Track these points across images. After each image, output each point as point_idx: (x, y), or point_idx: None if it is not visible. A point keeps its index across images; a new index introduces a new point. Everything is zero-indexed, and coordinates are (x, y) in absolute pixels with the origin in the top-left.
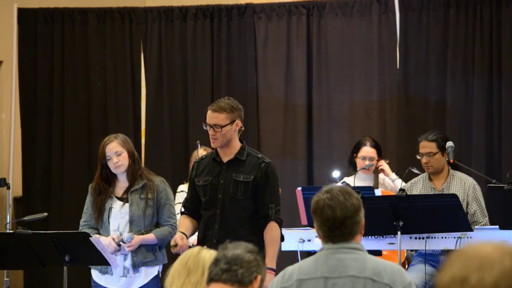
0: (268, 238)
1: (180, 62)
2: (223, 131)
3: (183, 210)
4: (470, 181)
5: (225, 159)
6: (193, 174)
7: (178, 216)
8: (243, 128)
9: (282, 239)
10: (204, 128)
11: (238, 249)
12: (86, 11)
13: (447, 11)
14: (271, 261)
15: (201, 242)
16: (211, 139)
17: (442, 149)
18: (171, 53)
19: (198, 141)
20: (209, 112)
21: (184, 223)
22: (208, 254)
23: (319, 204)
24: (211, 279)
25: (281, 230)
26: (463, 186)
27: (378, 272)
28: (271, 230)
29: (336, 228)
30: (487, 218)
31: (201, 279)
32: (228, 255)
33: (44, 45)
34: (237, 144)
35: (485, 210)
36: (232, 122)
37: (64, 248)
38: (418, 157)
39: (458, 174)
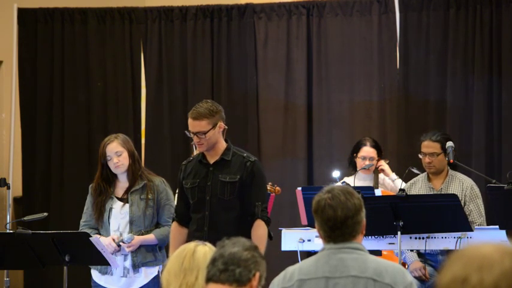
0: (254, 236)
1: (180, 62)
2: (207, 137)
3: (174, 216)
4: (468, 182)
5: (211, 161)
6: (181, 177)
7: None
8: (226, 127)
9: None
10: (188, 135)
11: (236, 247)
12: (86, 11)
13: (447, 11)
14: None
15: None
16: (197, 145)
17: (445, 150)
18: (171, 53)
19: (193, 143)
20: (190, 120)
21: (174, 238)
22: (202, 253)
23: (321, 204)
24: (209, 279)
25: (269, 228)
26: (461, 186)
27: (379, 272)
28: (258, 228)
29: (337, 228)
30: (482, 218)
31: (195, 282)
32: (225, 255)
33: (44, 45)
34: (222, 145)
35: (483, 211)
36: (214, 126)
37: (64, 248)
38: (420, 156)
39: (457, 175)
